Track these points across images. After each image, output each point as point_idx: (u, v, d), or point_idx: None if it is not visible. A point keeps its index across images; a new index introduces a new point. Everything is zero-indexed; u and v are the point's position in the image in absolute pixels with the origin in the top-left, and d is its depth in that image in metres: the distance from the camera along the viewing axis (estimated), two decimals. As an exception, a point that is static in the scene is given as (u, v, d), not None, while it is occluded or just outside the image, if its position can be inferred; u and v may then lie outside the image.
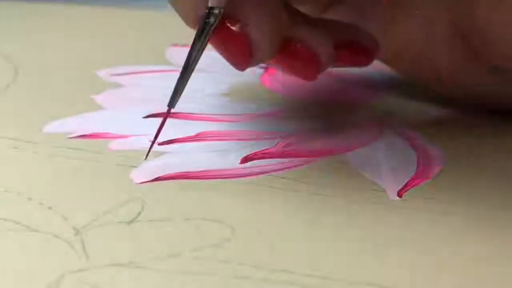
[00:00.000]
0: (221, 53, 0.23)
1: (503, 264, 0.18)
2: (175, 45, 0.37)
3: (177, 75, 0.29)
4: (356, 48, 0.24)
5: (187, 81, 0.22)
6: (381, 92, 0.30)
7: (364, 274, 0.18)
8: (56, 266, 0.18)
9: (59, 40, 0.38)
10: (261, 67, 0.32)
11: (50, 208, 0.20)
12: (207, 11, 0.21)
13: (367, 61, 0.25)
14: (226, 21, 0.22)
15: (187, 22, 0.23)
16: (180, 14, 0.23)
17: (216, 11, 0.21)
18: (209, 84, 0.31)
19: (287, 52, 0.23)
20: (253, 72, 0.31)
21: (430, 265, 0.18)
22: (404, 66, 0.28)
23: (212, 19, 0.21)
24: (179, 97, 0.22)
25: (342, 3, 0.27)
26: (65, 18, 0.43)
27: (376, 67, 0.33)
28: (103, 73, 0.33)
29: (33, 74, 0.32)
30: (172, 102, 0.22)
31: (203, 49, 0.22)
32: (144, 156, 0.23)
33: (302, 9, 0.24)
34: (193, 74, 0.33)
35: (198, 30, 0.22)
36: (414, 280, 0.17)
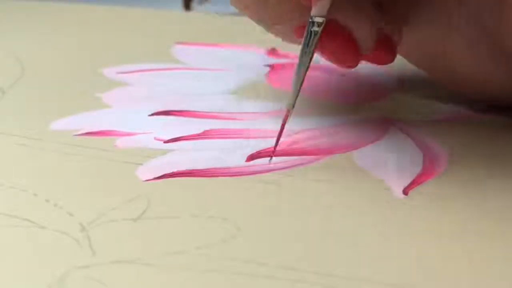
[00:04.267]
0: (330, 57, 0.23)
1: (508, 263, 0.18)
2: (181, 43, 0.37)
3: (181, 73, 0.29)
4: (385, 44, 0.24)
5: (301, 85, 0.23)
6: (387, 91, 0.30)
7: (368, 271, 0.18)
8: (62, 262, 0.18)
9: (66, 39, 0.38)
10: (267, 66, 0.32)
11: (56, 204, 0.21)
12: (310, 20, 0.22)
13: (391, 59, 0.25)
14: (329, 27, 0.22)
15: (290, 39, 0.23)
16: (279, 33, 0.23)
17: (319, 20, 0.22)
18: (215, 82, 0.31)
19: (329, 32, 0.23)
20: (259, 71, 0.31)
21: (435, 263, 0.18)
22: (423, 62, 0.28)
23: (316, 28, 0.22)
24: (296, 98, 0.23)
25: None
26: (71, 17, 0.43)
27: (382, 67, 0.33)
28: (109, 71, 0.33)
29: (39, 72, 0.33)
30: (291, 104, 0.23)
31: (312, 58, 0.22)
32: (147, 155, 0.24)
33: None
34: (198, 73, 0.33)
35: (304, 39, 0.22)
36: (417, 277, 0.17)
